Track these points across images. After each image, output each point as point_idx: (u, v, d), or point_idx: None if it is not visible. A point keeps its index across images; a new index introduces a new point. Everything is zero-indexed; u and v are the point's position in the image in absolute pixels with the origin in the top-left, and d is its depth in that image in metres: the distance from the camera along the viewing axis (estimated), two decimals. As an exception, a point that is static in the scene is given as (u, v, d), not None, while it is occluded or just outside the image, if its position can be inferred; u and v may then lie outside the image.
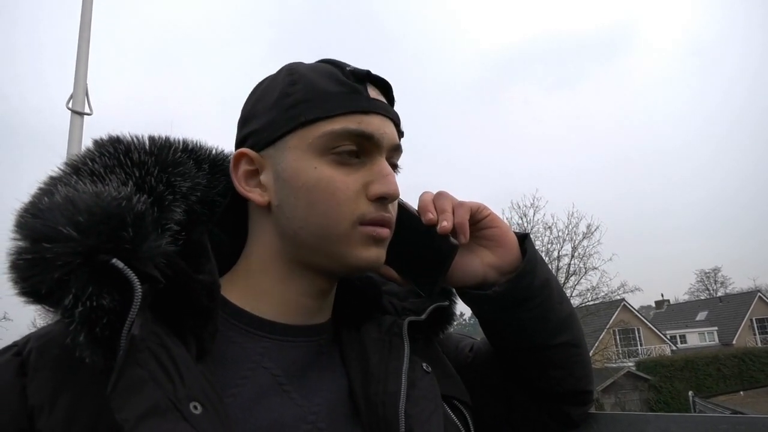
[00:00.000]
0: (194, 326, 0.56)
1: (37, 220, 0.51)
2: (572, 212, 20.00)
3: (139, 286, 0.50)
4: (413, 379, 0.65)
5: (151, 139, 0.65)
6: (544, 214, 25.40)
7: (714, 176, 77.73)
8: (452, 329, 0.86)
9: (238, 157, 0.67)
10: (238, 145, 0.70)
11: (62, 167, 0.60)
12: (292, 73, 0.67)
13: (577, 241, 19.52)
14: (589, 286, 19.83)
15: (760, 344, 28.77)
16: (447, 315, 0.81)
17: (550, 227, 19.61)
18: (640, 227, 69.30)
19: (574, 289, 19.73)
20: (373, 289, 0.75)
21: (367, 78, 0.66)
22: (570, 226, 19.75)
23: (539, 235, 19.32)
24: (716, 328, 31.61)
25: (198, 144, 0.70)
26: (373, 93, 0.67)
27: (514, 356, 0.79)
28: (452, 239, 0.71)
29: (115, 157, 0.61)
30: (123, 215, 0.52)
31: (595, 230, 19.39)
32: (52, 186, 0.56)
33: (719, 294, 41.58)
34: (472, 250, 0.76)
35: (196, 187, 0.65)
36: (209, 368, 0.56)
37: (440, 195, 0.74)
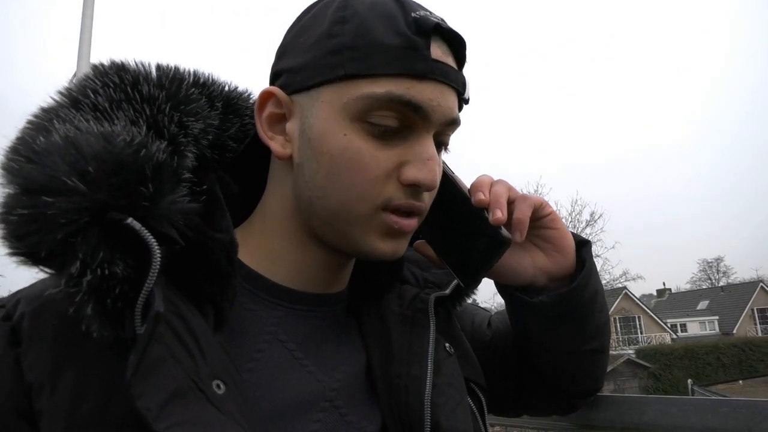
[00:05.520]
0: (212, 293, 0.50)
1: (33, 166, 0.42)
2: (576, 200, 19.98)
3: (158, 251, 0.42)
4: (438, 363, 0.61)
5: (159, 68, 0.54)
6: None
7: (719, 167, 77.31)
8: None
9: (266, 97, 0.58)
10: (271, 78, 0.60)
11: (57, 98, 0.49)
12: (345, 7, 0.55)
13: (580, 229, 19.50)
14: (591, 274, 19.81)
15: (760, 334, 28.81)
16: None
17: (553, 214, 19.56)
18: (644, 216, 69.14)
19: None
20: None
21: (432, 32, 0.53)
22: (573, 214, 19.73)
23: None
24: (717, 317, 31.67)
25: (211, 78, 0.60)
26: (438, 52, 0.54)
27: (538, 354, 0.76)
28: (504, 232, 0.61)
29: (122, 89, 0.51)
30: (141, 166, 0.44)
31: (599, 218, 19.37)
32: (46, 121, 0.46)
33: (721, 283, 41.55)
34: (524, 248, 0.69)
35: (208, 129, 0.55)
36: (227, 339, 0.51)
37: (500, 181, 0.66)
